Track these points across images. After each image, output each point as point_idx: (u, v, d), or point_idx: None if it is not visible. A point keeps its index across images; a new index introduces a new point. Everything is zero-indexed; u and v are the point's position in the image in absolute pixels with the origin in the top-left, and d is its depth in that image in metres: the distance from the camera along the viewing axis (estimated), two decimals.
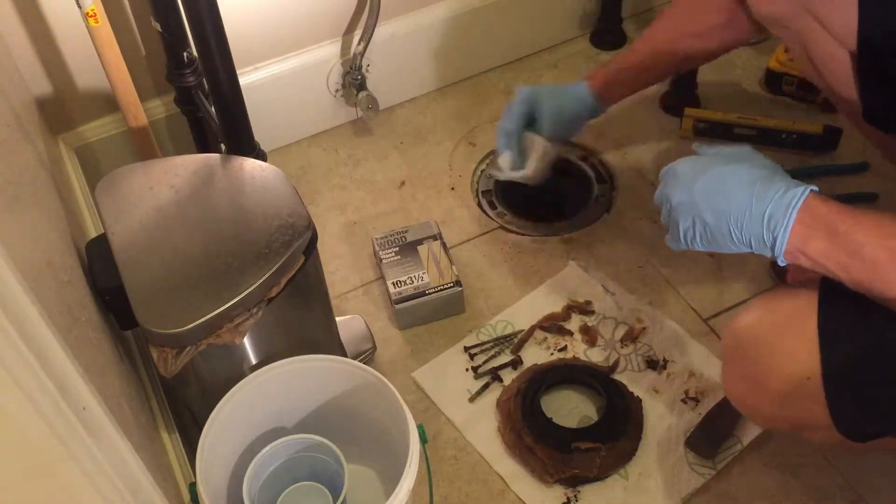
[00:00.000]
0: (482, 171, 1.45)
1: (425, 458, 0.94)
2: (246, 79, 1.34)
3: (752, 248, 0.82)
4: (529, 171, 1.21)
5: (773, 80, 1.52)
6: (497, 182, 1.42)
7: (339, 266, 1.32)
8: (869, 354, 0.81)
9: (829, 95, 0.96)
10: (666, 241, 0.91)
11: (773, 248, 0.80)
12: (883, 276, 0.76)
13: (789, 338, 0.85)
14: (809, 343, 0.82)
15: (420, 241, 1.27)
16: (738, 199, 0.81)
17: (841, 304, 0.82)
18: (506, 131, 1.22)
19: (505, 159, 1.22)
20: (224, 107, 1.07)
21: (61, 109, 1.30)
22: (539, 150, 1.21)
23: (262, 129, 1.18)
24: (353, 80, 1.46)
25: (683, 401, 1.13)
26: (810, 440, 0.99)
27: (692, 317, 1.23)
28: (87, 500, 0.55)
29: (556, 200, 1.46)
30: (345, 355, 1.14)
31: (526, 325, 1.23)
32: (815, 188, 0.80)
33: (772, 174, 0.81)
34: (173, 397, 1.06)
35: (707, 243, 0.86)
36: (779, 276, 1.24)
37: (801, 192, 0.78)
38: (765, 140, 1.43)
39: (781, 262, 0.81)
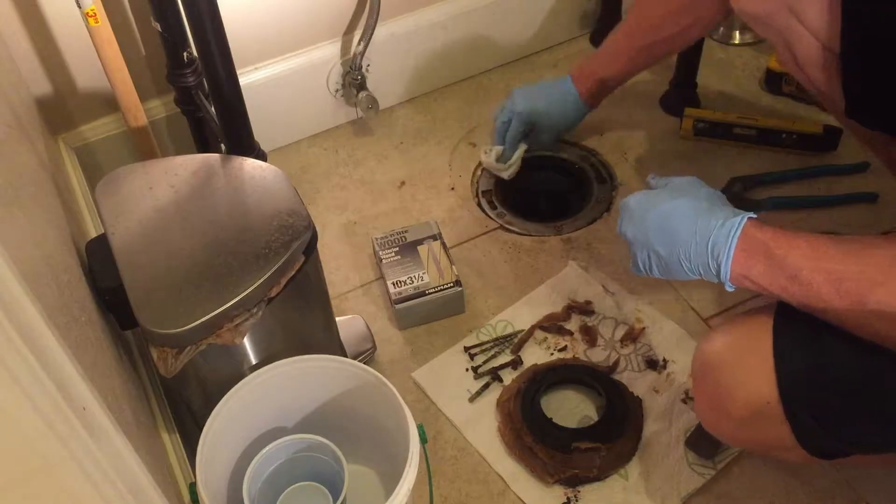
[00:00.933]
0: (482, 171, 1.45)
1: (425, 458, 0.94)
2: (246, 79, 1.34)
3: (701, 275, 0.87)
4: (511, 171, 1.38)
5: (773, 80, 1.52)
6: (497, 182, 1.42)
7: (339, 266, 1.32)
8: (820, 373, 0.82)
9: (814, 93, 0.96)
10: (629, 269, 0.96)
11: (718, 275, 0.85)
12: (820, 296, 0.78)
13: (747, 361, 0.86)
14: (765, 365, 0.84)
15: (420, 241, 1.27)
16: (683, 233, 0.86)
17: (794, 325, 0.84)
18: (502, 137, 1.38)
19: (494, 153, 1.38)
20: (224, 107, 1.07)
21: (61, 109, 1.30)
22: (520, 152, 1.37)
23: (262, 129, 1.18)
24: (353, 80, 1.46)
25: (683, 401, 1.13)
26: (785, 461, 1.01)
27: (692, 317, 1.23)
28: (86, 501, 0.55)
29: (556, 200, 1.46)
30: (345, 355, 1.14)
31: (526, 325, 1.23)
32: (753, 215, 0.84)
33: (712, 206, 0.86)
34: (173, 397, 1.06)
35: (663, 272, 0.91)
36: None
37: (738, 221, 0.83)
38: (765, 140, 1.43)
39: (729, 288, 0.85)
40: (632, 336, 1.20)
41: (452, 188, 1.43)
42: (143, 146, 1.29)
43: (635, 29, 1.28)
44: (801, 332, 0.83)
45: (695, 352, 0.93)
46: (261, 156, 1.14)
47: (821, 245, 0.79)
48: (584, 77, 1.33)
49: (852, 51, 0.80)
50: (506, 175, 1.38)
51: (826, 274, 0.77)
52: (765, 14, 0.89)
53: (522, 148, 1.37)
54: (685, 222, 0.86)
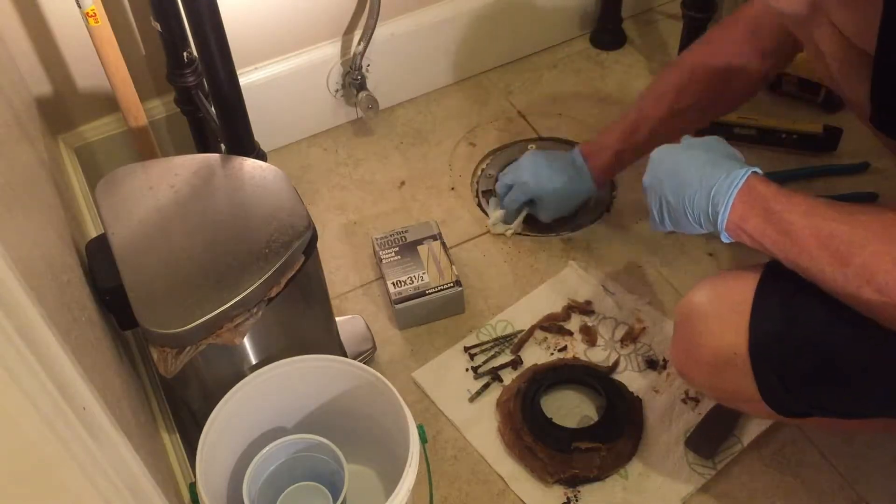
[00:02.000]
0: (482, 171, 1.45)
1: (425, 458, 0.94)
2: (246, 79, 1.34)
3: (702, 225, 0.90)
4: (512, 232, 1.35)
5: (773, 81, 1.51)
6: (497, 182, 1.42)
7: (339, 266, 1.32)
8: (791, 336, 0.85)
9: (842, 96, 0.96)
10: (649, 224, 0.99)
11: (716, 222, 0.87)
12: (809, 253, 0.80)
13: (724, 313, 0.90)
14: (741, 319, 0.87)
15: (420, 241, 1.27)
16: (690, 180, 0.89)
17: (777, 287, 0.86)
18: (502, 200, 1.33)
19: (497, 215, 1.35)
20: (224, 107, 1.07)
21: (61, 109, 1.30)
22: (521, 217, 1.34)
23: (262, 129, 1.18)
24: (353, 80, 1.46)
25: (683, 401, 1.13)
26: (748, 413, 1.05)
27: None
28: (86, 500, 0.55)
29: None
30: (345, 355, 1.14)
31: (526, 325, 1.23)
32: (758, 170, 0.87)
33: (723, 158, 0.89)
34: (173, 397, 1.06)
35: (673, 223, 0.94)
36: None
37: (743, 174, 0.86)
38: (765, 140, 1.43)
39: (725, 239, 0.88)
40: (632, 336, 1.20)
41: (452, 188, 1.43)
42: (143, 146, 1.28)
43: (658, 96, 1.19)
44: (782, 295, 0.86)
45: (678, 303, 0.96)
46: (261, 156, 1.14)
47: (818, 205, 0.82)
48: (597, 152, 1.24)
49: (888, 57, 0.79)
50: (508, 234, 1.34)
51: (817, 231, 0.80)
52: (798, 12, 0.89)
53: (523, 214, 1.33)
54: (694, 171, 0.89)
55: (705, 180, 0.88)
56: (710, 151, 0.91)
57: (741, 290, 0.88)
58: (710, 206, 0.87)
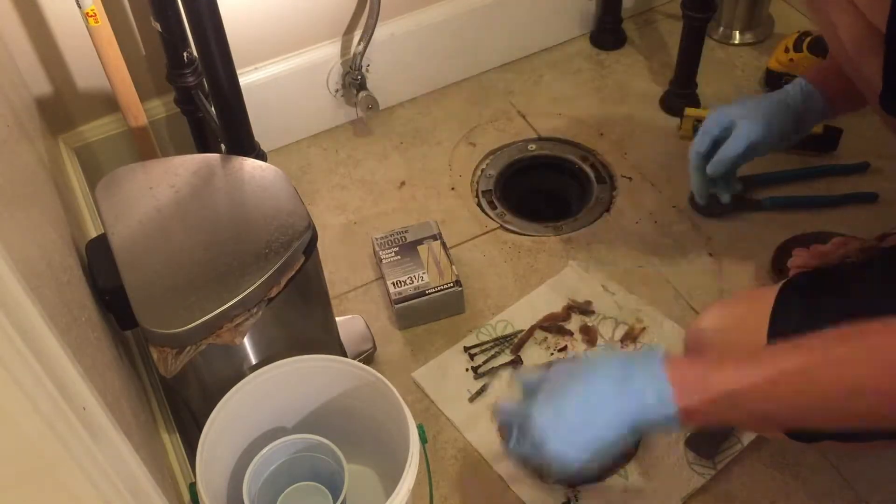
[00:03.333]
0: (482, 171, 1.45)
1: (425, 458, 0.94)
2: (246, 79, 1.34)
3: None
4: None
5: (773, 80, 1.51)
6: (497, 182, 1.42)
7: (339, 266, 1.32)
8: None
9: (853, 77, 0.94)
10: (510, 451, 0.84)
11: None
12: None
13: (737, 336, 0.86)
14: (755, 339, 0.83)
15: (420, 241, 1.27)
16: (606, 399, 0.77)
17: (793, 308, 0.83)
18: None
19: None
20: (224, 107, 1.07)
21: (61, 109, 1.30)
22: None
23: (262, 129, 1.18)
24: (353, 80, 1.46)
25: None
26: (759, 433, 1.03)
27: (692, 317, 1.22)
28: (86, 501, 0.55)
29: (557, 200, 1.46)
30: (345, 355, 1.14)
31: (526, 325, 1.23)
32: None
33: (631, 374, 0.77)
34: (173, 397, 1.06)
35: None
36: (778, 278, 1.24)
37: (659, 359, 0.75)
38: None
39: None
40: (632, 336, 1.20)
41: (452, 188, 1.43)
42: (143, 146, 1.29)
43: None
44: (799, 314, 0.82)
45: (688, 329, 0.94)
46: (261, 156, 1.14)
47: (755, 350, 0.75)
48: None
49: None
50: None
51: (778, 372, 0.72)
52: None
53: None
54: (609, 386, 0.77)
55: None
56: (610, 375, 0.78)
57: (754, 316, 0.85)
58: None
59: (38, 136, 1.14)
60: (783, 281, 0.87)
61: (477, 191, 1.43)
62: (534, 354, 1.19)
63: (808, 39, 1.49)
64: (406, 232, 1.29)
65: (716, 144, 1.12)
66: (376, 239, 1.29)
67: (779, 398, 0.72)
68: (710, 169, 1.12)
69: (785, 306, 0.85)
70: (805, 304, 0.84)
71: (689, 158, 1.15)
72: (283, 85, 1.42)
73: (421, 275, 1.23)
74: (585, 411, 0.77)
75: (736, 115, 1.10)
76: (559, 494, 1.06)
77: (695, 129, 1.44)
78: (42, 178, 0.97)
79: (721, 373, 0.73)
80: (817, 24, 0.95)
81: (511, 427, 0.82)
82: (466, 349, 1.20)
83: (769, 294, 0.86)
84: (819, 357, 0.70)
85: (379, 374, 0.92)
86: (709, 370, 0.74)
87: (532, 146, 1.48)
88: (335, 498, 0.92)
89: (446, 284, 1.22)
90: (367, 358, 1.19)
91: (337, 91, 1.49)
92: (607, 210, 1.38)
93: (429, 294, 1.21)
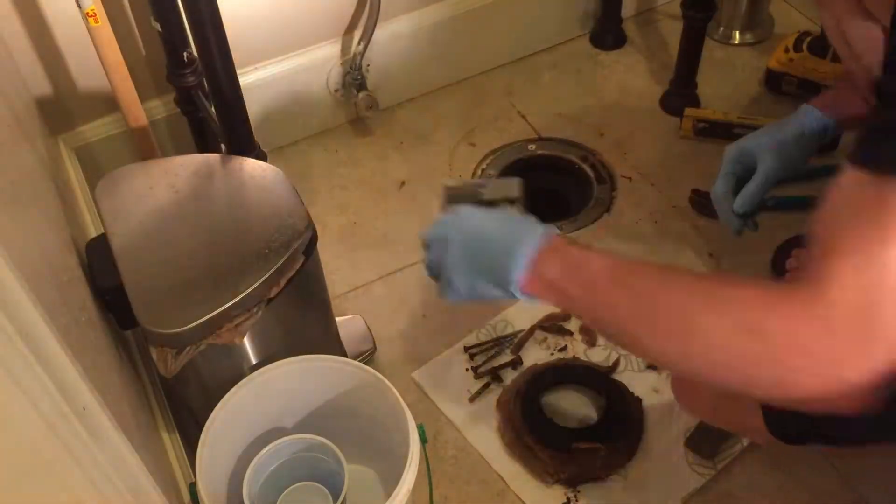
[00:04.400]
0: (482, 171, 1.45)
1: (425, 458, 0.94)
2: (246, 79, 1.34)
3: (498, 284, 0.79)
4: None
5: (773, 80, 1.52)
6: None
7: (339, 266, 1.32)
8: None
9: (853, 71, 0.94)
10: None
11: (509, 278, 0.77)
12: (623, 324, 0.73)
13: None
14: None
15: (495, 203, 0.99)
16: (492, 234, 0.80)
17: None
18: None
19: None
20: (224, 107, 1.06)
21: (61, 109, 1.30)
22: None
23: (262, 129, 1.18)
24: (353, 80, 1.46)
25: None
26: (753, 440, 1.05)
27: None
28: (86, 500, 0.55)
29: (557, 200, 1.46)
30: (345, 355, 1.14)
31: (526, 325, 1.22)
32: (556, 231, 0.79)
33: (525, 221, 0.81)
34: (173, 397, 1.06)
35: (466, 282, 0.82)
36: (779, 277, 1.24)
37: (542, 230, 0.79)
38: None
39: (520, 296, 0.78)
40: None
41: None
42: (143, 146, 1.28)
43: None
44: None
45: None
46: (261, 156, 1.14)
47: (631, 271, 0.74)
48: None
49: None
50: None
51: (634, 301, 0.72)
52: None
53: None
54: (498, 226, 0.81)
55: (510, 234, 0.79)
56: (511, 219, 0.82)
57: None
58: (509, 259, 0.77)
59: (38, 136, 1.14)
60: None
61: None
62: (534, 354, 1.19)
63: (808, 39, 1.49)
64: (483, 186, 1.02)
65: (738, 181, 1.13)
66: (447, 187, 1.00)
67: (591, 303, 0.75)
68: (738, 209, 1.12)
69: None
70: None
71: (713, 199, 1.15)
72: (283, 85, 1.42)
73: None
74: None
75: (755, 150, 1.11)
76: (559, 494, 1.06)
77: (695, 129, 1.45)
78: (42, 179, 0.97)
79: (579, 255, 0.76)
80: (823, 21, 0.95)
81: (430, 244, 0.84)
82: (466, 349, 1.20)
83: None
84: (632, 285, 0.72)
85: (379, 374, 0.92)
86: (574, 250, 0.77)
87: (532, 146, 1.48)
88: (335, 498, 0.92)
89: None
90: (367, 358, 1.19)
91: (337, 91, 1.49)
92: (607, 210, 1.38)
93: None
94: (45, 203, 0.92)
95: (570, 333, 1.22)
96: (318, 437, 0.94)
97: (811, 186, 1.36)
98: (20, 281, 0.50)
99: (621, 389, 1.13)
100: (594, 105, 1.55)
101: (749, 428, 0.89)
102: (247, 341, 0.95)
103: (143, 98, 1.25)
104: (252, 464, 0.92)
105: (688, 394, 0.96)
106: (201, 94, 1.24)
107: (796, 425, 0.85)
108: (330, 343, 1.12)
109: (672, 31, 1.64)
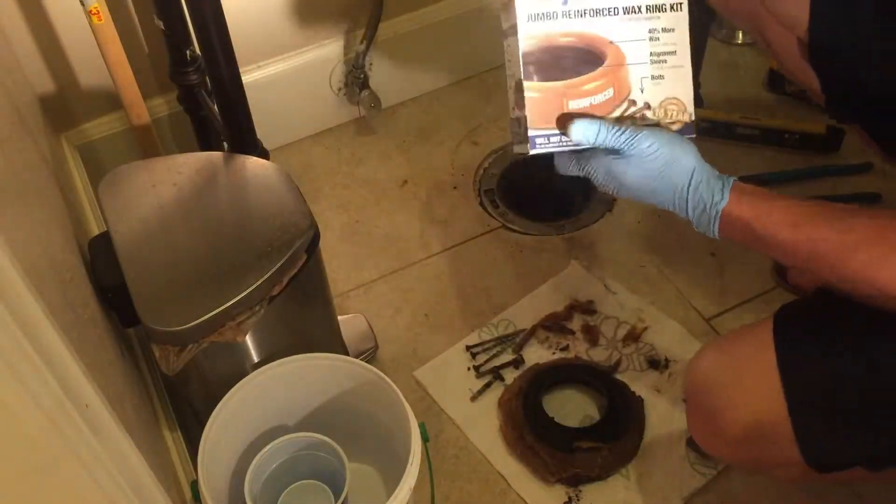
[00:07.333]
0: (485, 170, 1.45)
1: (427, 456, 0.94)
2: (249, 77, 1.34)
3: (688, 206, 0.90)
4: None
5: (775, 80, 1.51)
6: (499, 181, 1.41)
7: (341, 265, 1.32)
8: (837, 382, 0.79)
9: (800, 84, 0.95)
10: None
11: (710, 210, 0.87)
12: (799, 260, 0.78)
13: (746, 380, 0.83)
14: (769, 381, 0.80)
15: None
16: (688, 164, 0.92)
17: (797, 336, 0.81)
18: None
19: None
20: (227, 105, 1.07)
21: (64, 107, 1.30)
22: None
23: (264, 127, 1.18)
24: (356, 79, 1.46)
25: (685, 400, 1.13)
26: (777, 478, 0.99)
27: (694, 316, 1.23)
28: (89, 498, 0.55)
29: (559, 200, 1.46)
30: (346, 354, 1.14)
31: (528, 325, 1.22)
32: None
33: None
34: (175, 395, 1.06)
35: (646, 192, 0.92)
36: (780, 277, 1.24)
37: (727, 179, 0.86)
38: (767, 140, 1.42)
39: (714, 233, 0.85)
40: (634, 336, 1.20)
41: (455, 187, 1.43)
42: (145, 144, 1.29)
43: None
44: (807, 342, 0.80)
45: (687, 369, 0.90)
46: (263, 154, 1.14)
47: (806, 211, 0.78)
48: None
49: (820, 51, 0.79)
50: None
51: (808, 243, 0.77)
52: (737, 7, 0.89)
53: None
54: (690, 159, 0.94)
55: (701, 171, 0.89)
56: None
57: (756, 351, 0.82)
58: (710, 194, 0.86)
59: (41, 133, 1.14)
60: (773, 315, 0.84)
61: (479, 190, 1.43)
62: (536, 354, 1.19)
63: None
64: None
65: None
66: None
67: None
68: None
69: (786, 336, 0.82)
70: (807, 331, 0.82)
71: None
72: (285, 83, 1.42)
73: None
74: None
75: None
76: (560, 493, 1.06)
77: (697, 129, 1.44)
78: (45, 176, 0.97)
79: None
80: (758, 45, 0.97)
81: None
82: (468, 348, 1.20)
83: (762, 331, 0.83)
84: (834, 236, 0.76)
85: (381, 373, 0.92)
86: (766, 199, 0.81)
87: None
88: (337, 496, 0.92)
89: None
90: (369, 357, 1.19)
91: (339, 90, 1.49)
92: (609, 209, 1.38)
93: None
94: (48, 201, 0.92)
95: (572, 333, 1.22)
96: (320, 436, 0.94)
97: (814, 187, 1.37)
98: (23, 278, 0.50)
99: (623, 389, 1.13)
100: None
101: (781, 462, 0.84)
102: (249, 339, 0.95)
103: (145, 96, 1.25)
104: (254, 462, 0.92)
105: (713, 438, 0.89)
106: (204, 92, 1.24)
107: (838, 450, 0.81)
108: (332, 341, 1.12)
109: None
